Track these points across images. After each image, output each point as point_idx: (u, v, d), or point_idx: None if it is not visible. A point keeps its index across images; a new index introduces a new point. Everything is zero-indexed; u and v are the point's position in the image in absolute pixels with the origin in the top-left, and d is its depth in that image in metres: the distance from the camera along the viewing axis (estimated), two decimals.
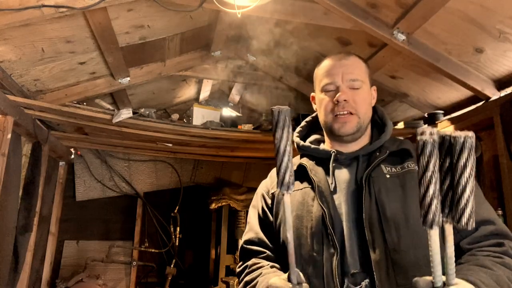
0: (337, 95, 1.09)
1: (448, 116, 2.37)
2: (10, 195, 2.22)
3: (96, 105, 2.76)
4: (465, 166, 0.62)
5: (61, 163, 3.37)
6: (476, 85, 1.99)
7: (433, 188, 0.62)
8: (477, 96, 2.08)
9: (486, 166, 2.07)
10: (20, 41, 1.87)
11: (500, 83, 1.98)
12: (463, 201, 0.62)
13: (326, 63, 1.18)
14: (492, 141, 2.00)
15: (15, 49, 1.91)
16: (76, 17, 1.87)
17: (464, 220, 0.62)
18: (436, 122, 2.39)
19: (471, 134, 0.63)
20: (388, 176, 1.03)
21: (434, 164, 0.62)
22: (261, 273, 1.03)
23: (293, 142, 1.20)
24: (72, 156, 3.51)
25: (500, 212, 1.85)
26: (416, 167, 1.02)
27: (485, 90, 1.99)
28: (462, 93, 2.22)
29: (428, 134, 0.63)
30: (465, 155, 0.62)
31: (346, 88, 1.10)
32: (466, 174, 0.62)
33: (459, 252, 0.94)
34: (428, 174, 0.62)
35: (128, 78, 2.60)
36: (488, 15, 1.64)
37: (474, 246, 0.93)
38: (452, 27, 1.78)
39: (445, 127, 2.29)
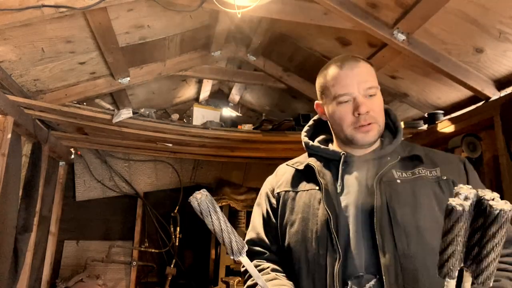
0: (359, 108, 1.03)
1: (448, 116, 2.37)
2: (10, 195, 2.22)
3: (96, 105, 2.77)
4: (493, 235, 0.64)
5: (61, 163, 3.37)
6: (476, 85, 1.98)
7: (452, 249, 0.66)
8: (477, 96, 2.08)
9: (486, 166, 2.07)
10: (20, 41, 1.87)
11: (500, 83, 1.98)
12: (485, 264, 0.65)
13: (334, 72, 1.09)
14: (492, 141, 2.00)
15: (15, 49, 1.91)
16: (76, 17, 1.87)
17: (481, 279, 0.65)
18: (436, 122, 2.39)
19: (509, 208, 0.64)
20: (399, 181, 1.02)
21: (458, 229, 0.65)
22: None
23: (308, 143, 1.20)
24: (72, 156, 3.51)
25: None
26: (428, 172, 1.04)
27: (485, 90, 1.99)
28: (462, 93, 2.22)
29: (461, 199, 0.66)
30: (496, 226, 0.64)
31: (363, 98, 1.05)
32: (494, 242, 0.64)
33: None
34: (450, 236, 0.66)
35: (128, 78, 2.60)
36: (488, 15, 1.64)
37: None
38: (452, 27, 1.78)
39: (445, 127, 2.29)
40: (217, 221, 0.80)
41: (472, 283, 0.68)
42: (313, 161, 1.13)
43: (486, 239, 0.65)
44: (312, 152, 1.17)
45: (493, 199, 0.66)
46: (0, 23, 1.57)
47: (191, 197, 0.80)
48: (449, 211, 0.65)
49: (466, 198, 0.66)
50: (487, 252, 0.64)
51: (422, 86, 2.35)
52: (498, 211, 0.63)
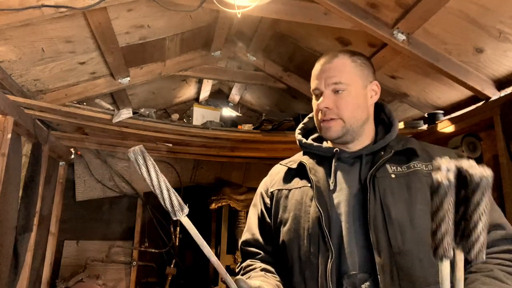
0: (318, 103, 1.08)
1: (448, 116, 2.37)
2: (10, 195, 2.22)
3: (96, 105, 2.76)
4: (478, 204, 0.62)
5: (61, 163, 3.37)
6: (476, 85, 1.98)
7: (445, 227, 0.63)
8: (477, 96, 2.08)
9: (486, 166, 2.07)
10: (20, 41, 1.87)
11: (500, 83, 1.98)
12: (474, 236, 0.63)
13: (316, 65, 1.14)
14: (492, 141, 2.00)
15: (15, 49, 1.91)
16: (76, 17, 1.87)
17: (473, 253, 0.63)
18: (436, 122, 2.39)
19: (488, 173, 0.63)
20: (393, 176, 1.00)
21: (448, 203, 0.63)
22: (249, 277, 1.02)
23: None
24: (72, 156, 3.50)
25: None
26: (423, 166, 1.02)
27: (485, 90, 1.99)
28: (462, 93, 2.21)
29: (444, 172, 0.63)
30: (479, 193, 0.62)
31: (329, 93, 1.07)
32: (480, 211, 0.62)
33: None
34: (441, 213, 0.63)
35: (128, 78, 2.60)
36: (488, 15, 1.64)
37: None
38: (452, 27, 1.78)
39: (445, 127, 2.29)
40: (154, 175, 0.72)
41: (465, 261, 0.66)
42: (306, 159, 1.13)
43: (472, 209, 0.63)
44: (306, 149, 1.18)
45: (471, 167, 0.65)
46: (0, 23, 1.57)
47: (130, 150, 0.73)
48: (436, 187, 0.63)
49: (448, 170, 0.64)
50: (475, 223, 0.63)
51: (422, 86, 2.35)
52: (479, 178, 0.62)
